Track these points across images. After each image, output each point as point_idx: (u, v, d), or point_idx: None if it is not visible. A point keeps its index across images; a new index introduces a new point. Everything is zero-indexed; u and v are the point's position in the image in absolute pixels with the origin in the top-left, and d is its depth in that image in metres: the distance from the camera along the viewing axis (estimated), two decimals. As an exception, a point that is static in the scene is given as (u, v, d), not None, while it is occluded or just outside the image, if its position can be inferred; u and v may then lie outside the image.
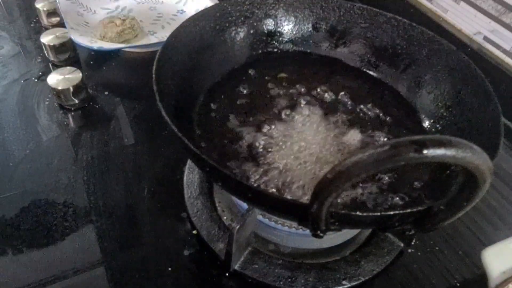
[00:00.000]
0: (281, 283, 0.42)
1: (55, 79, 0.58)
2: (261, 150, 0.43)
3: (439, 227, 0.31)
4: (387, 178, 0.41)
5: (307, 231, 0.32)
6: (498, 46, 0.64)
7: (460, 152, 0.24)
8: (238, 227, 0.38)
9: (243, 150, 0.43)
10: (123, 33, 0.68)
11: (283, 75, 0.52)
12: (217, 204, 0.48)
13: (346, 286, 0.42)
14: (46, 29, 0.71)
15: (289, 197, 0.38)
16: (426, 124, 0.48)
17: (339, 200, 0.39)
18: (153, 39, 0.71)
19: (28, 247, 0.44)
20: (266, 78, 0.52)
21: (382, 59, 0.53)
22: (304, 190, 0.40)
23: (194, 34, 0.48)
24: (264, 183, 0.40)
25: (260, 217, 0.44)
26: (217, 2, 0.68)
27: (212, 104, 0.48)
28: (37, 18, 0.74)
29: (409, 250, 0.46)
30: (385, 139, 0.46)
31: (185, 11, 0.77)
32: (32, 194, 0.49)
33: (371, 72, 0.54)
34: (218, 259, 0.43)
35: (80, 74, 0.59)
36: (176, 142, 0.55)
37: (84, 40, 0.64)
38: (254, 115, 0.47)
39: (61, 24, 0.71)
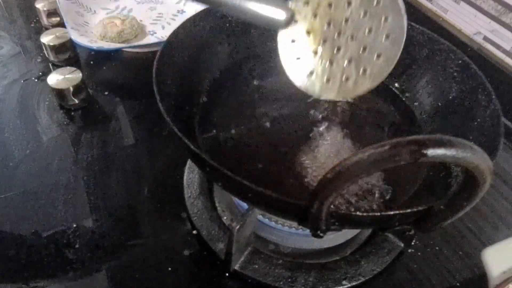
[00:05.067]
0: (281, 283, 0.42)
1: (55, 79, 0.58)
2: (263, 148, 0.43)
3: (439, 227, 0.31)
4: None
5: (307, 231, 0.32)
6: (498, 46, 0.64)
7: (460, 152, 0.24)
8: (238, 227, 0.38)
9: (244, 149, 0.43)
10: (123, 33, 0.68)
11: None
12: (217, 204, 0.48)
13: (346, 286, 0.42)
14: (46, 29, 0.71)
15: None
16: (426, 124, 0.48)
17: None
18: (153, 39, 0.71)
19: (28, 247, 0.44)
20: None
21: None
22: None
23: (194, 34, 0.48)
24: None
25: (260, 217, 0.44)
26: (217, 2, 0.68)
27: (212, 104, 0.48)
28: (37, 18, 0.74)
29: (409, 250, 0.46)
30: (385, 139, 0.46)
31: (185, 11, 0.77)
32: (32, 194, 0.49)
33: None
34: (218, 259, 0.43)
35: (80, 74, 0.59)
36: (176, 142, 0.55)
37: (84, 40, 0.64)
38: (254, 114, 0.47)
39: (61, 24, 0.71)
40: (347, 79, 0.43)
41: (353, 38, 0.42)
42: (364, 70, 0.43)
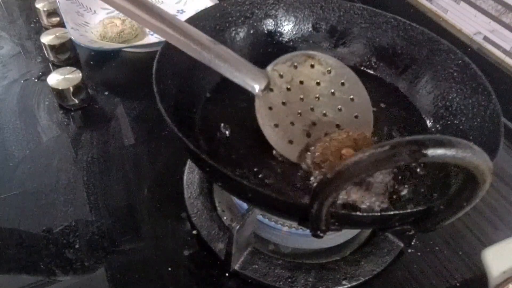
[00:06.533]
0: (281, 283, 0.42)
1: (55, 79, 0.58)
2: (262, 147, 0.43)
3: (439, 227, 0.31)
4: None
5: (307, 231, 0.32)
6: (498, 46, 0.64)
7: (460, 152, 0.24)
8: (238, 227, 0.38)
9: (245, 149, 0.43)
10: (123, 33, 0.68)
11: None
12: (217, 204, 0.48)
13: (346, 286, 0.42)
14: (46, 29, 0.71)
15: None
16: (426, 124, 0.48)
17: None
18: (153, 39, 0.71)
19: (28, 247, 0.44)
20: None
21: (382, 59, 0.53)
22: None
23: (194, 34, 0.48)
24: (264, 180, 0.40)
25: (260, 217, 0.44)
26: (217, 2, 0.68)
27: (212, 104, 0.48)
28: (37, 18, 0.74)
29: (409, 250, 0.46)
30: (385, 139, 0.46)
31: (185, 11, 0.77)
32: (32, 194, 0.49)
33: (371, 72, 0.54)
34: (218, 259, 0.43)
35: (80, 74, 0.59)
36: (176, 142, 0.55)
37: (84, 40, 0.64)
38: (254, 114, 0.47)
39: (61, 24, 0.71)
40: None
41: (325, 115, 0.44)
42: None
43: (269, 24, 0.54)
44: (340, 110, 0.44)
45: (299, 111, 0.43)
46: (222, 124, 0.45)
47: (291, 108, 0.43)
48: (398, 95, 0.52)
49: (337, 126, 0.44)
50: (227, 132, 0.44)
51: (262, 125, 0.41)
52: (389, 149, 0.24)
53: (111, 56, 0.69)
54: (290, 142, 0.42)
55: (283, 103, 0.43)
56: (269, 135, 0.41)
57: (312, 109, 0.44)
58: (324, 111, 0.44)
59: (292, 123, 0.43)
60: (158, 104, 0.36)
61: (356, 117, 0.45)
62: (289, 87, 0.44)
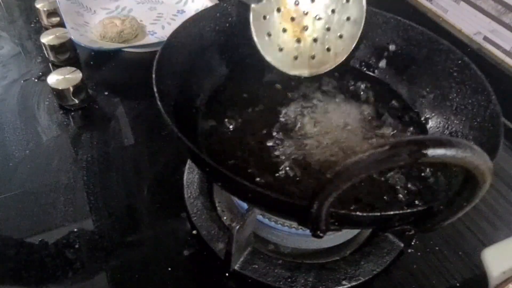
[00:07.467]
0: (281, 283, 0.42)
1: (55, 79, 0.58)
2: (261, 148, 0.43)
3: (439, 227, 0.31)
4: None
5: (307, 231, 0.32)
6: (498, 46, 0.64)
7: (460, 152, 0.24)
8: (238, 227, 0.38)
9: (243, 149, 0.43)
10: (123, 33, 0.68)
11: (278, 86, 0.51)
12: (217, 204, 0.48)
13: (346, 286, 0.42)
14: (46, 29, 0.71)
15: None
16: (426, 124, 0.48)
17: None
18: (153, 39, 0.71)
19: (28, 247, 0.44)
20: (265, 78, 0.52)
21: (382, 59, 0.53)
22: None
23: (194, 34, 0.48)
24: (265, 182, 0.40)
25: (260, 217, 0.44)
26: (217, 2, 0.68)
27: (212, 104, 0.48)
28: (37, 18, 0.74)
29: (409, 250, 0.46)
30: (385, 139, 0.46)
31: (185, 11, 0.77)
32: (32, 194, 0.49)
33: (371, 73, 0.54)
34: (218, 259, 0.43)
35: (80, 74, 0.59)
36: (176, 142, 0.55)
37: (84, 40, 0.64)
38: (254, 114, 0.47)
39: (61, 24, 0.71)
40: (313, 57, 0.47)
41: (318, 18, 0.46)
42: (328, 49, 0.47)
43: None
44: (333, 12, 0.46)
45: (293, 16, 0.45)
46: (222, 123, 0.45)
47: (284, 14, 0.44)
48: (398, 95, 0.52)
49: (327, 29, 0.45)
50: (227, 131, 0.44)
51: (255, 35, 0.43)
52: (389, 149, 0.24)
53: (111, 56, 0.69)
54: (280, 49, 0.44)
55: (278, 10, 0.44)
56: (262, 45, 0.43)
57: (305, 13, 0.45)
58: (317, 15, 0.45)
59: (284, 30, 0.44)
60: (158, 104, 0.36)
61: (348, 18, 0.46)
62: None
